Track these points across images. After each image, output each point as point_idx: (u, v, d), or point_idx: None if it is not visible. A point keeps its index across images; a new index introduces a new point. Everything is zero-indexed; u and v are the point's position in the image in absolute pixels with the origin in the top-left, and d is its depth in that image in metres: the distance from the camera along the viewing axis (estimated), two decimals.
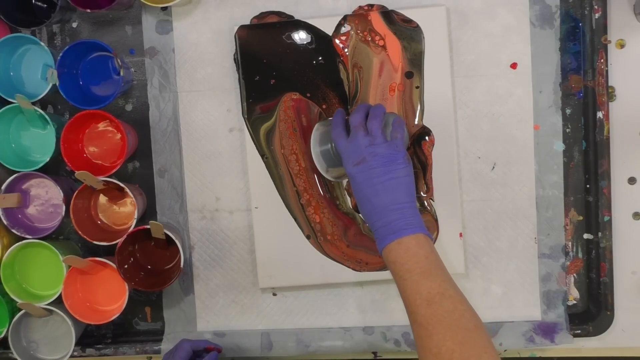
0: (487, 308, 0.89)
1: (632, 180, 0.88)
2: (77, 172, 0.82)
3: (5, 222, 0.86)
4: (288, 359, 0.92)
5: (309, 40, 0.86)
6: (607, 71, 0.84)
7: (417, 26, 0.85)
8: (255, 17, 0.88)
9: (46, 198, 0.89)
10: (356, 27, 0.85)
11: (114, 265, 0.85)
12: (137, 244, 0.90)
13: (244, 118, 0.87)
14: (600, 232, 0.86)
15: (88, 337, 0.93)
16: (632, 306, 0.88)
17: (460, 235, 0.87)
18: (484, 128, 0.88)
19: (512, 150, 0.87)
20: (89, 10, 0.83)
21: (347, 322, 0.91)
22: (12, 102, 0.85)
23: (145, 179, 0.91)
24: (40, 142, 0.89)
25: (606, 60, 0.84)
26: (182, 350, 0.81)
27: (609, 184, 0.85)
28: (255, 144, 0.87)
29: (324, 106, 0.87)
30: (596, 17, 0.84)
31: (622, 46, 0.86)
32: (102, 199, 0.91)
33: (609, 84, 0.85)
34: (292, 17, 0.88)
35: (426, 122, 0.86)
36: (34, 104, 0.85)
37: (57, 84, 0.84)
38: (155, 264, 0.91)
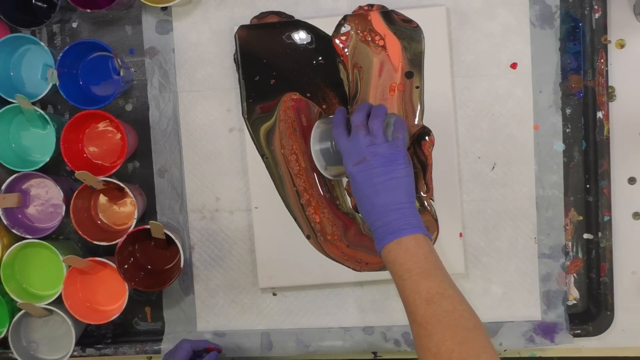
0: (487, 308, 0.89)
1: (632, 180, 0.88)
2: (77, 172, 0.82)
3: (5, 222, 0.86)
4: (288, 359, 0.92)
5: (309, 40, 0.86)
6: (607, 71, 0.84)
7: (417, 26, 0.85)
8: (255, 17, 0.88)
9: (46, 198, 0.89)
10: (356, 27, 0.85)
11: (114, 265, 0.85)
12: (137, 244, 0.90)
13: (244, 118, 0.87)
14: (600, 232, 0.86)
15: (88, 337, 0.93)
16: (632, 306, 0.88)
17: (460, 235, 0.87)
18: (484, 128, 0.88)
19: (512, 150, 0.87)
20: (89, 10, 0.83)
21: (347, 322, 0.91)
22: (12, 102, 0.85)
23: (145, 179, 0.91)
24: (40, 142, 0.89)
25: (606, 60, 0.84)
26: (182, 350, 0.81)
27: (609, 184, 0.85)
28: (255, 144, 0.87)
29: (324, 106, 0.87)
30: (596, 17, 0.84)
31: (622, 46, 0.86)
32: (102, 199, 0.91)
33: (609, 84, 0.85)
34: (292, 17, 0.88)
35: (426, 122, 0.86)
36: (34, 104, 0.85)
37: (57, 84, 0.84)
38: (155, 264, 0.91)
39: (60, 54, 0.84)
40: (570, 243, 0.88)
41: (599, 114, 0.85)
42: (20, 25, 0.86)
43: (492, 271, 0.89)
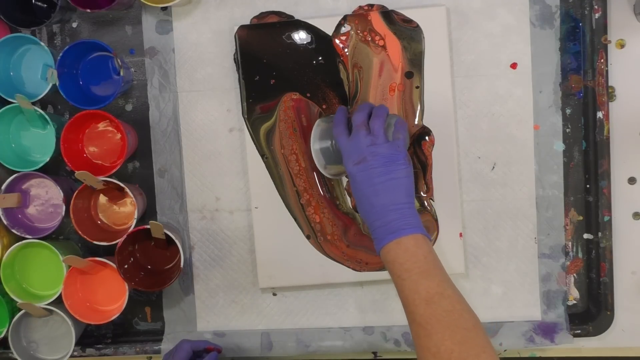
0: (487, 308, 0.89)
1: (632, 180, 0.88)
2: (77, 172, 0.82)
3: (5, 222, 0.87)
4: (288, 359, 0.92)
5: (309, 40, 0.86)
6: (607, 71, 0.84)
7: (417, 26, 0.85)
8: (255, 17, 0.88)
9: (46, 198, 0.89)
10: (356, 27, 0.85)
11: (114, 265, 0.85)
12: (137, 244, 0.90)
13: (244, 118, 0.87)
14: (600, 232, 0.86)
15: (88, 337, 0.93)
16: (632, 306, 0.88)
17: (460, 235, 0.87)
18: (484, 128, 0.88)
19: (512, 150, 0.87)
20: (89, 10, 0.83)
21: (347, 322, 0.91)
22: (12, 102, 0.85)
23: (145, 179, 0.91)
24: (40, 142, 0.89)
25: (606, 60, 0.84)
26: (182, 350, 0.81)
27: (609, 184, 0.85)
28: (255, 144, 0.87)
29: (324, 106, 0.87)
30: (596, 17, 0.84)
31: (622, 46, 0.86)
32: (102, 199, 0.91)
33: (609, 84, 0.85)
34: (292, 17, 0.88)
35: (426, 122, 0.86)
36: (34, 104, 0.85)
37: (57, 84, 0.84)
38: (155, 264, 0.91)
39: (60, 54, 0.84)
40: (570, 243, 0.88)
41: (599, 114, 0.85)
42: (20, 25, 0.86)
43: (492, 271, 0.89)
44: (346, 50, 0.86)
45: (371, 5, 0.87)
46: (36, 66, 0.88)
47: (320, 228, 0.88)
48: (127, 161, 0.91)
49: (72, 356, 0.88)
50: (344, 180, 0.88)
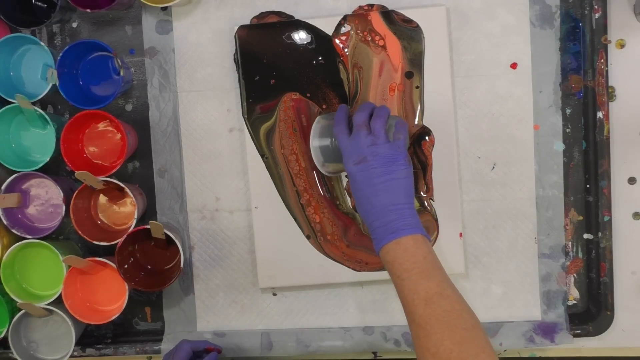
0: (487, 308, 0.89)
1: (632, 180, 0.88)
2: (77, 172, 0.82)
3: (5, 222, 0.87)
4: (288, 359, 0.92)
5: (309, 40, 0.86)
6: (607, 71, 0.84)
7: (417, 26, 0.85)
8: (255, 17, 0.88)
9: (46, 198, 0.89)
10: (356, 27, 0.85)
11: (114, 265, 0.85)
12: (137, 244, 0.90)
13: (244, 118, 0.87)
14: (600, 232, 0.86)
15: (88, 337, 0.93)
16: (632, 306, 0.88)
17: (460, 235, 0.87)
18: (484, 128, 0.88)
19: (512, 150, 0.87)
20: (89, 10, 0.83)
21: (347, 322, 0.91)
22: (12, 102, 0.85)
23: (145, 179, 0.91)
24: (40, 142, 0.89)
25: (606, 60, 0.84)
26: (182, 350, 0.81)
27: (609, 184, 0.85)
28: (255, 144, 0.87)
29: (324, 106, 0.87)
30: (596, 17, 0.84)
31: (622, 46, 0.86)
32: (102, 199, 0.91)
33: (609, 84, 0.85)
34: (292, 17, 0.88)
35: (426, 122, 0.86)
36: (34, 104, 0.85)
37: (57, 84, 0.84)
38: (155, 264, 0.91)
39: (60, 54, 0.84)
40: (570, 243, 0.88)
41: (599, 114, 0.85)
42: (20, 25, 0.86)
43: (492, 271, 0.89)
44: (346, 50, 0.86)
45: (371, 5, 0.87)
46: (36, 66, 0.88)
47: (320, 228, 0.88)
48: (127, 161, 0.91)
49: (72, 356, 0.88)
50: (344, 180, 0.88)
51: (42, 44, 0.86)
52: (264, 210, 0.88)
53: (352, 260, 0.88)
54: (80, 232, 0.86)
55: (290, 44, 0.86)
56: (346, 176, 0.87)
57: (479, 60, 0.87)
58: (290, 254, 0.88)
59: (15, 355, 0.88)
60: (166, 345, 0.90)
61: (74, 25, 0.91)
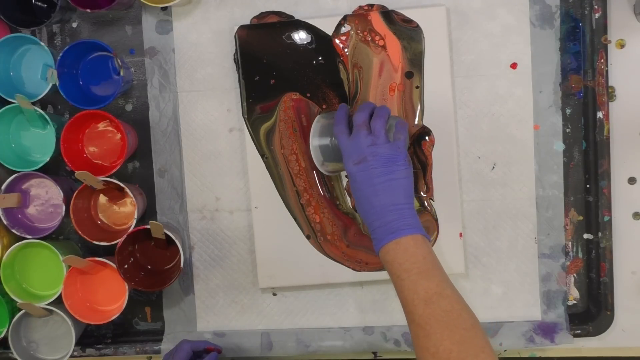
0: (487, 308, 0.89)
1: (632, 180, 0.88)
2: (77, 172, 0.82)
3: (5, 222, 0.87)
4: (288, 359, 0.92)
5: (309, 40, 0.86)
6: (607, 71, 0.84)
7: (417, 26, 0.85)
8: (255, 17, 0.88)
9: (46, 198, 0.89)
10: (356, 27, 0.85)
11: (114, 265, 0.85)
12: (137, 244, 0.90)
13: (244, 118, 0.87)
14: (600, 232, 0.86)
15: (88, 337, 0.93)
16: (632, 306, 0.88)
17: (460, 235, 0.87)
18: (484, 128, 0.88)
19: (512, 150, 0.87)
20: (89, 10, 0.83)
21: (347, 322, 0.91)
22: (12, 102, 0.85)
23: (145, 179, 0.91)
24: (40, 142, 0.89)
25: (606, 60, 0.84)
26: (182, 351, 0.81)
27: (609, 184, 0.85)
28: (255, 144, 0.87)
29: (324, 106, 0.87)
30: (596, 17, 0.84)
31: (622, 46, 0.86)
32: (102, 199, 0.91)
33: (609, 84, 0.85)
34: (292, 17, 0.88)
35: (426, 122, 0.86)
36: (34, 104, 0.85)
37: (57, 84, 0.84)
38: (155, 264, 0.91)
39: (60, 54, 0.84)
40: (570, 243, 0.88)
41: (599, 114, 0.85)
42: (20, 25, 0.86)
43: (492, 271, 0.89)
44: (346, 50, 0.86)
45: (371, 5, 0.87)
46: (36, 66, 0.88)
47: (320, 228, 0.88)
48: (127, 161, 0.91)
49: (72, 356, 0.88)
50: (344, 180, 0.88)
51: (42, 44, 0.86)
52: (264, 210, 0.88)
53: (352, 260, 0.88)
54: (80, 232, 0.86)
55: (290, 44, 0.86)
56: (346, 176, 0.87)
57: (479, 60, 0.87)
58: (290, 254, 0.88)
59: (15, 355, 0.88)
60: (166, 345, 0.90)
61: (74, 25, 0.91)
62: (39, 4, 0.90)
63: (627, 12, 0.86)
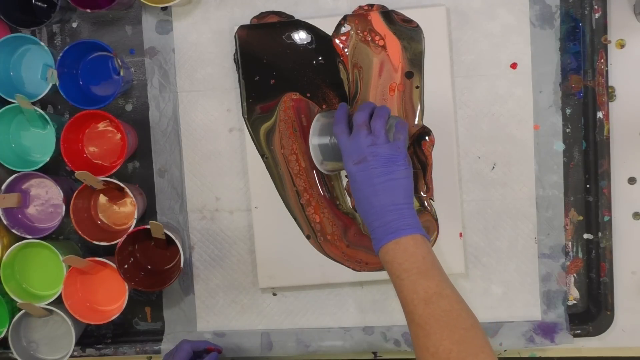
0: (487, 308, 0.89)
1: (632, 180, 0.88)
2: (77, 172, 0.82)
3: (5, 222, 0.87)
4: (288, 359, 0.92)
5: (309, 40, 0.86)
6: (607, 71, 0.84)
7: (417, 26, 0.85)
8: (255, 17, 0.88)
9: (46, 198, 0.89)
10: (356, 27, 0.85)
11: (114, 265, 0.85)
12: (137, 244, 0.90)
13: (244, 118, 0.87)
14: (600, 232, 0.86)
15: (88, 337, 0.93)
16: (632, 306, 0.88)
17: (460, 235, 0.87)
18: (484, 128, 0.88)
19: (512, 150, 0.87)
20: (89, 10, 0.83)
21: (347, 322, 0.91)
22: (12, 102, 0.85)
23: (145, 179, 0.91)
24: (40, 142, 0.89)
25: (606, 60, 0.84)
26: (182, 351, 0.81)
27: (609, 184, 0.85)
28: (255, 144, 0.87)
29: (324, 106, 0.87)
30: (596, 17, 0.84)
31: (622, 46, 0.86)
32: (102, 199, 0.91)
33: (609, 84, 0.85)
34: (292, 17, 0.88)
35: (426, 122, 0.86)
36: (34, 104, 0.85)
37: (57, 84, 0.84)
38: (155, 264, 0.91)
39: (60, 54, 0.84)
40: (570, 243, 0.88)
41: (599, 114, 0.85)
42: (20, 25, 0.86)
43: (492, 271, 0.89)
44: (346, 50, 0.86)
45: (371, 5, 0.87)
46: (36, 66, 0.88)
47: (320, 228, 0.88)
48: (127, 161, 0.91)
49: (72, 356, 0.88)
50: (344, 180, 0.88)
51: (42, 44, 0.86)
52: (264, 210, 0.88)
53: (352, 260, 0.88)
54: (80, 232, 0.86)
55: (290, 44, 0.86)
56: (346, 176, 0.87)
57: (479, 60, 0.87)
58: (290, 254, 0.88)
59: (15, 355, 0.88)
60: (166, 345, 0.90)
61: (74, 25, 0.91)
62: (39, 4, 0.90)
63: (627, 12, 0.86)
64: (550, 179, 0.87)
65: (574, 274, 0.89)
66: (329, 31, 0.86)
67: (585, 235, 0.88)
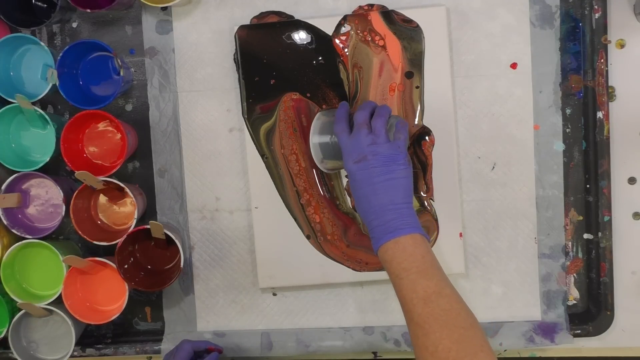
0: (487, 308, 0.89)
1: (632, 180, 0.88)
2: (77, 172, 0.82)
3: (5, 222, 0.87)
4: (288, 359, 0.92)
5: (309, 40, 0.86)
6: (607, 71, 0.84)
7: (417, 26, 0.85)
8: (255, 17, 0.88)
9: (46, 198, 0.89)
10: (356, 27, 0.85)
11: (114, 265, 0.85)
12: (137, 244, 0.90)
13: (244, 118, 0.87)
14: (600, 232, 0.86)
15: (88, 337, 0.93)
16: (632, 306, 0.88)
17: (460, 235, 0.87)
18: (484, 128, 0.88)
19: (512, 150, 0.87)
20: (89, 10, 0.83)
21: (347, 322, 0.91)
22: (12, 102, 0.85)
23: (145, 179, 0.91)
24: (40, 142, 0.89)
25: (606, 60, 0.84)
26: (183, 351, 0.81)
27: (609, 184, 0.85)
28: (255, 144, 0.87)
29: (324, 106, 0.87)
30: (596, 17, 0.84)
31: (622, 46, 0.86)
32: (102, 199, 0.91)
33: (609, 84, 0.85)
34: (292, 17, 0.88)
35: (426, 122, 0.86)
36: (34, 104, 0.85)
37: (57, 84, 0.84)
38: (155, 264, 0.91)
39: (60, 54, 0.84)
40: (570, 243, 0.88)
41: (599, 114, 0.85)
42: (20, 25, 0.86)
43: (492, 271, 0.89)
44: (346, 50, 0.86)
45: (371, 5, 0.87)
46: (36, 66, 0.88)
47: (320, 228, 0.88)
48: (127, 161, 0.91)
49: (72, 356, 0.88)
50: (344, 180, 0.88)
51: (42, 44, 0.86)
52: (264, 210, 0.88)
53: (352, 260, 0.88)
54: (80, 232, 0.86)
55: (290, 44, 0.86)
56: (346, 176, 0.87)
57: (479, 60, 0.87)
58: (290, 254, 0.88)
59: (15, 355, 0.88)
60: (166, 345, 0.90)
61: (74, 25, 0.91)
62: (39, 4, 0.90)
63: (627, 12, 0.86)
64: (550, 179, 0.87)
65: (574, 274, 0.89)
66: (329, 31, 0.86)
67: (585, 235, 0.88)
